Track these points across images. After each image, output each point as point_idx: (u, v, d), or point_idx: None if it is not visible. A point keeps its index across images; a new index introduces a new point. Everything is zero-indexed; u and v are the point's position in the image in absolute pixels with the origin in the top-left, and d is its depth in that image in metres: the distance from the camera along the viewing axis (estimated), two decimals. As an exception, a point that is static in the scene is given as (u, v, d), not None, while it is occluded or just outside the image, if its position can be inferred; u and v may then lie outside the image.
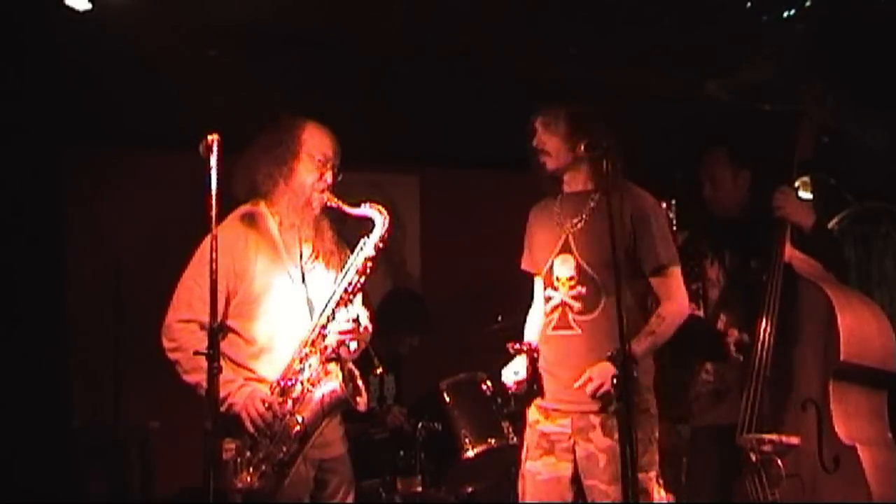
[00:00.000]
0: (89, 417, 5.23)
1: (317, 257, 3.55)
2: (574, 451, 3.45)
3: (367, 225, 3.47)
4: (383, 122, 5.36)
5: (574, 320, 3.48)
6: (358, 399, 3.44)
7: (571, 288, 3.49)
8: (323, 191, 3.48)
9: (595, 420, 3.41)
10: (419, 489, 4.66)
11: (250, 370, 3.38)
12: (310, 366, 3.36)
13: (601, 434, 3.40)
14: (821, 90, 3.66)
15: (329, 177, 3.49)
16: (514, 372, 3.55)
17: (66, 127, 4.70)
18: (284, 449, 3.29)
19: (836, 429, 3.34)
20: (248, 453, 3.30)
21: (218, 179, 3.05)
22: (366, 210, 3.46)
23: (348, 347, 3.47)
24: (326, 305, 3.41)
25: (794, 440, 3.37)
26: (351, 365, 3.50)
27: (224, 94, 4.71)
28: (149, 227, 5.47)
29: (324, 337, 3.38)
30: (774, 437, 3.38)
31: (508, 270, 3.79)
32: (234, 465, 3.27)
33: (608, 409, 3.35)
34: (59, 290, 4.74)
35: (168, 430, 5.27)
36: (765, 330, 3.49)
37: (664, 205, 6.35)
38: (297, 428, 3.31)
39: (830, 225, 5.31)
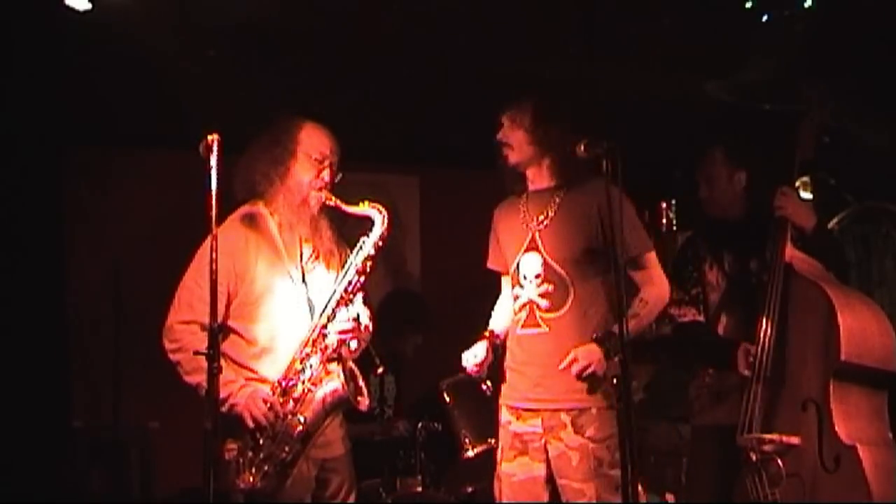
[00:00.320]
0: (89, 417, 5.24)
1: (317, 257, 3.54)
2: (546, 451, 3.45)
3: (366, 224, 3.47)
4: (383, 122, 5.36)
5: (541, 318, 3.49)
6: (359, 398, 3.44)
7: (538, 286, 3.50)
8: (321, 189, 3.48)
9: (566, 418, 3.41)
10: (419, 489, 4.66)
11: (252, 370, 3.39)
12: (311, 366, 3.36)
13: (572, 432, 3.40)
14: (823, 90, 3.65)
15: (326, 175, 3.49)
16: (473, 355, 3.57)
17: (66, 127, 4.69)
18: (286, 449, 3.30)
19: (837, 429, 3.33)
20: (250, 453, 3.29)
21: (218, 179, 3.04)
22: (364, 209, 3.46)
23: (349, 347, 3.47)
24: (327, 305, 3.41)
25: (795, 440, 3.36)
26: (352, 364, 3.50)
27: (224, 94, 4.70)
28: (149, 228, 5.47)
29: (324, 336, 3.39)
30: (774, 436, 3.37)
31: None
32: (237, 465, 3.28)
33: (590, 394, 3.35)
34: (59, 291, 4.73)
35: (168, 430, 5.27)
36: (765, 330, 3.49)
37: (664, 205, 6.38)
38: (299, 428, 3.31)
39: (830, 225, 5.29)
